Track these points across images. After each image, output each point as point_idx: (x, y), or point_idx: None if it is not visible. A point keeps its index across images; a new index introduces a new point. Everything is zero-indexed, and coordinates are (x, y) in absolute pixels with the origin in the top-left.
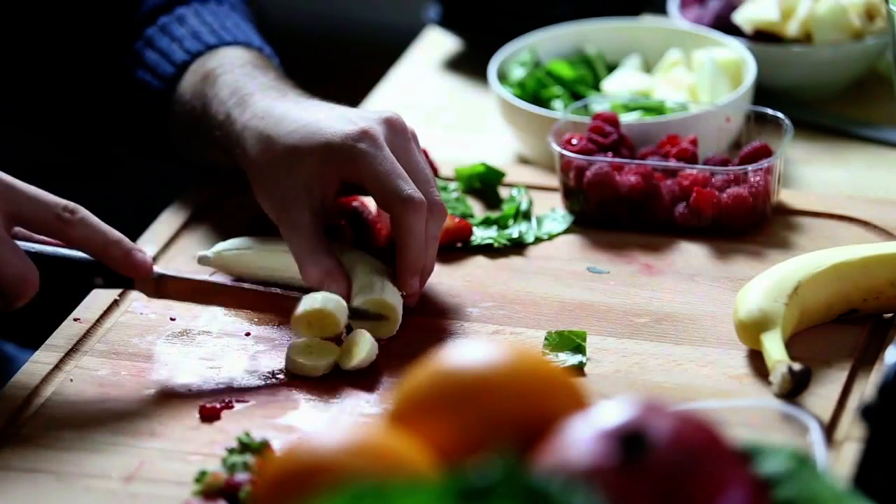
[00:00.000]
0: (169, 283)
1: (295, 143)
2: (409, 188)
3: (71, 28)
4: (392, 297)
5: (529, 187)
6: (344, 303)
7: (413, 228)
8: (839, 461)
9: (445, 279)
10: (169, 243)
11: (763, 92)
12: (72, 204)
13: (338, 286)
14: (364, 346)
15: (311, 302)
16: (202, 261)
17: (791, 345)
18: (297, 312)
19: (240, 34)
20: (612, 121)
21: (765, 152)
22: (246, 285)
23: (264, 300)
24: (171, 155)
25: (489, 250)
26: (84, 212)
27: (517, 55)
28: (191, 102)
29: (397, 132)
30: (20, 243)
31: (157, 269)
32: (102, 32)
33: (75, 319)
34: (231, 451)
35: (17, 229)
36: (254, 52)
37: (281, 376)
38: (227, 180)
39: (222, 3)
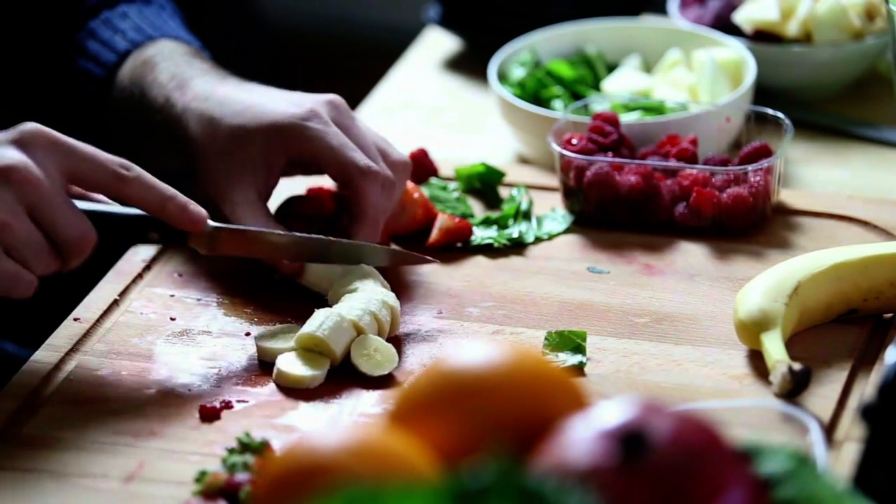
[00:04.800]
0: (223, 236)
1: (241, 124)
2: (365, 159)
3: (14, 20)
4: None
5: (529, 187)
6: (347, 324)
7: (371, 197)
8: (839, 461)
9: (445, 279)
10: None
11: (763, 92)
12: (126, 161)
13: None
14: (391, 358)
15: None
16: None
17: (791, 345)
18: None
19: (181, 33)
20: (612, 121)
21: (765, 152)
22: (300, 234)
23: (319, 251)
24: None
25: (489, 250)
26: (138, 169)
27: (517, 55)
28: (129, 89)
29: (340, 111)
30: (76, 202)
31: (211, 222)
32: (46, 25)
33: (75, 319)
34: (231, 451)
35: (72, 188)
36: (193, 48)
37: None
38: None
39: (165, 8)
